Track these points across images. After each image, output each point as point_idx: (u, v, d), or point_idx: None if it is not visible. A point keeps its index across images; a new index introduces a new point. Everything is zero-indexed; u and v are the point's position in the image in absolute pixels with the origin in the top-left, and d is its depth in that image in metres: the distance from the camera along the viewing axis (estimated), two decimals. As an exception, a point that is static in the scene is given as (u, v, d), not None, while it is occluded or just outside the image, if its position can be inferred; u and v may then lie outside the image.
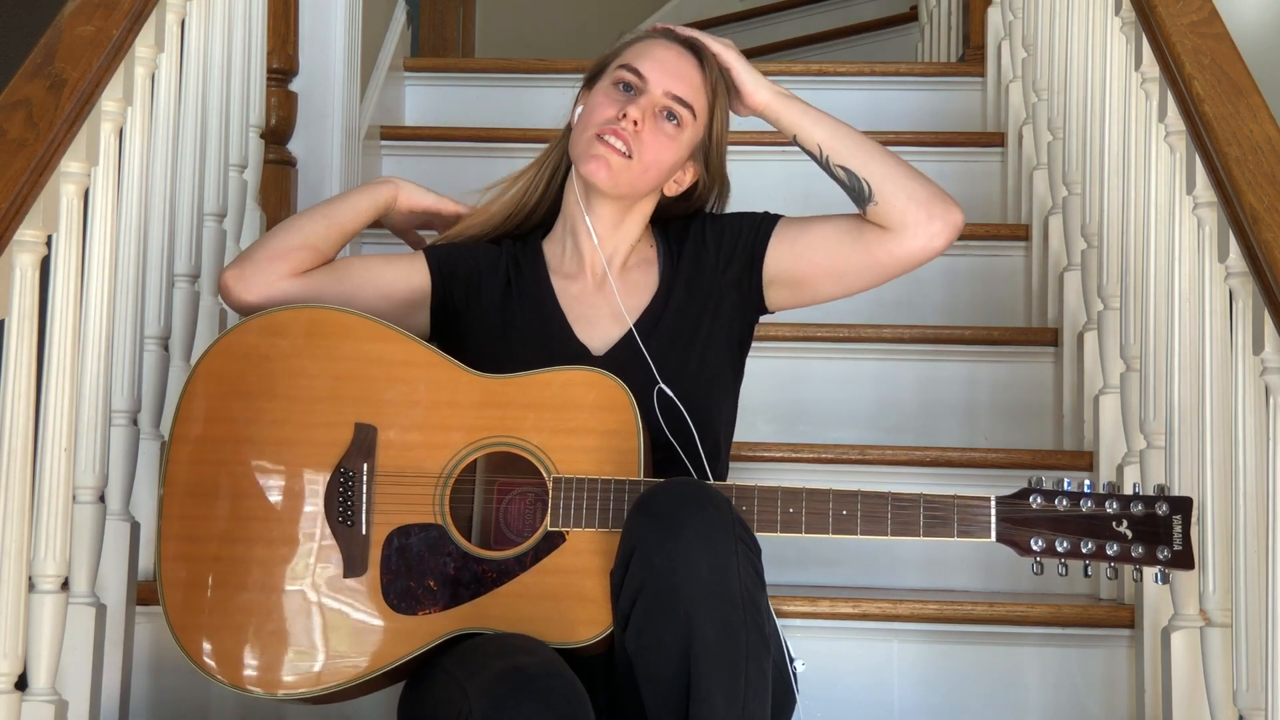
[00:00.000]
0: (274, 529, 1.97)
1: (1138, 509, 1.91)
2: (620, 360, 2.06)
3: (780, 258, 2.13)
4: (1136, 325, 2.50)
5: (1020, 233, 3.30)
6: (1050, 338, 3.03)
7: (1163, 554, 1.90)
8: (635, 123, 2.06)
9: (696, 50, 2.13)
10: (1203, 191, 2.15)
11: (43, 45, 2.04)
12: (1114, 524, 1.91)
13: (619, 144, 2.06)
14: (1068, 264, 2.96)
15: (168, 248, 2.41)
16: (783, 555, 2.66)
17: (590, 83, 2.17)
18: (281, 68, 3.07)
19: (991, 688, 2.44)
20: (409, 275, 2.14)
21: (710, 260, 2.15)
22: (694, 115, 2.11)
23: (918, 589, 2.68)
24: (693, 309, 2.13)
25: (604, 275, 2.14)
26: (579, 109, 2.14)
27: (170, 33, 2.40)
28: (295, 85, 3.15)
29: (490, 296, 2.13)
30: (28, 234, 1.93)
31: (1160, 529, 1.91)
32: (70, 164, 2.02)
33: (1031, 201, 3.26)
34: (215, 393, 2.01)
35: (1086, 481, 1.94)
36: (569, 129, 2.16)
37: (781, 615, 2.37)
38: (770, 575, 2.59)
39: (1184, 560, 1.91)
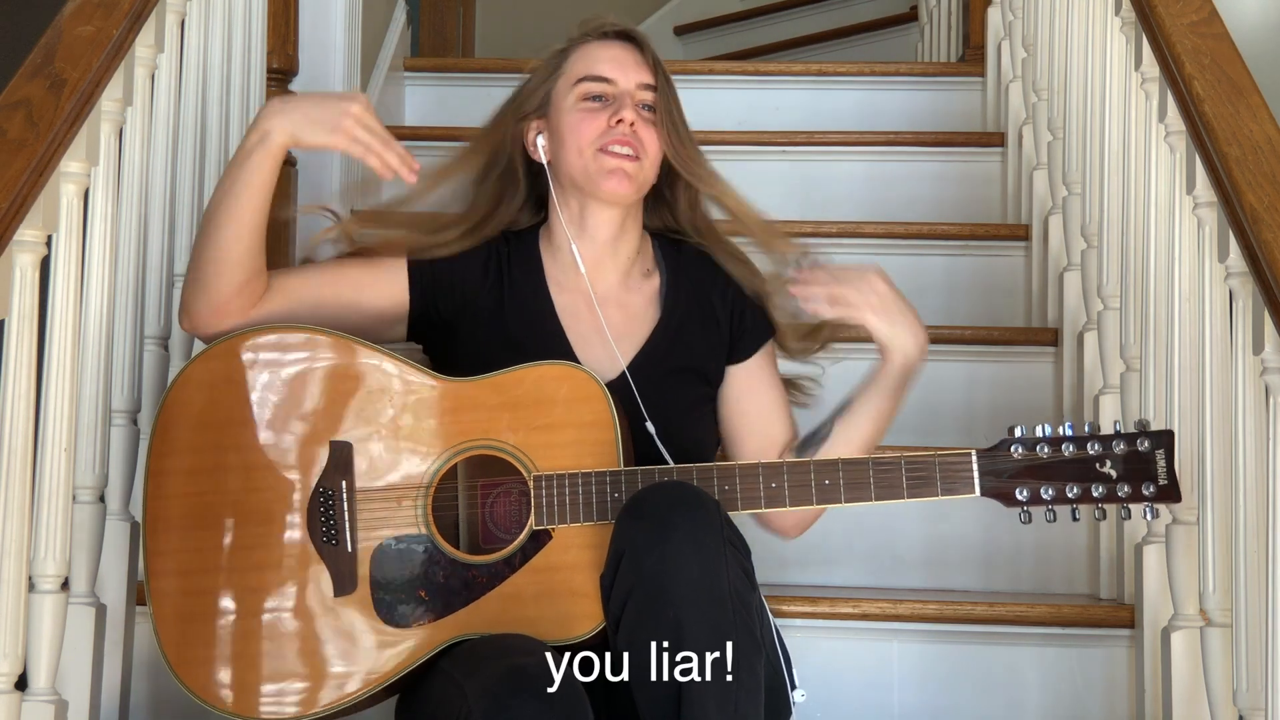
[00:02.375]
0: (260, 555, 1.96)
1: (1120, 447, 1.91)
2: (621, 390, 2.05)
3: (727, 385, 2.14)
4: (1136, 325, 2.50)
5: (1020, 233, 3.30)
6: (1050, 338, 3.03)
7: (1148, 490, 1.91)
8: (631, 124, 2.06)
9: (628, 36, 2.13)
10: (1203, 191, 2.15)
11: (43, 45, 2.04)
12: (1097, 465, 1.91)
13: (627, 150, 2.06)
14: (1068, 264, 2.96)
15: (168, 248, 2.41)
16: (783, 555, 2.66)
17: (533, 113, 2.13)
18: (281, 68, 3.07)
19: (991, 688, 2.44)
20: (385, 285, 2.10)
21: (717, 317, 2.14)
22: (660, 96, 2.10)
23: (918, 589, 2.68)
24: (692, 345, 2.12)
25: (604, 293, 2.12)
26: (538, 139, 2.11)
27: (170, 33, 2.40)
28: (295, 85, 3.14)
29: (483, 303, 2.11)
30: (28, 234, 1.93)
31: (1144, 465, 1.91)
32: (70, 164, 2.02)
33: (1031, 201, 3.26)
34: (186, 423, 2.00)
35: (1067, 425, 1.93)
36: (512, 161, 2.14)
37: (781, 615, 2.37)
38: (770, 575, 2.59)
39: (1170, 494, 1.91)
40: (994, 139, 3.60)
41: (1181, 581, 2.23)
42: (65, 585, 2.04)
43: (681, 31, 6.11)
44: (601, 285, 2.13)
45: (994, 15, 3.78)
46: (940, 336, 3.06)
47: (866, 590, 2.62)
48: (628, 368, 2.08)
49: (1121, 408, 2.57)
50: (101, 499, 2.17)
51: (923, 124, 3.76)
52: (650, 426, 2.02)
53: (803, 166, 3.61)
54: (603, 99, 2.09)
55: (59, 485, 2.01)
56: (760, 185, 3.43)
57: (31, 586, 1.98)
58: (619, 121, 2.06)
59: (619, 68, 2.10)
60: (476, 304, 2.11)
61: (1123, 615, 2.43)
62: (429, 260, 2.12)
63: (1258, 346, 1.96)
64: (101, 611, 2.16)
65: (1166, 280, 2.31)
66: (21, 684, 1.95)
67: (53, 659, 2.00)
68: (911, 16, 5.22)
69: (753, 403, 2.14)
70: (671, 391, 2.08)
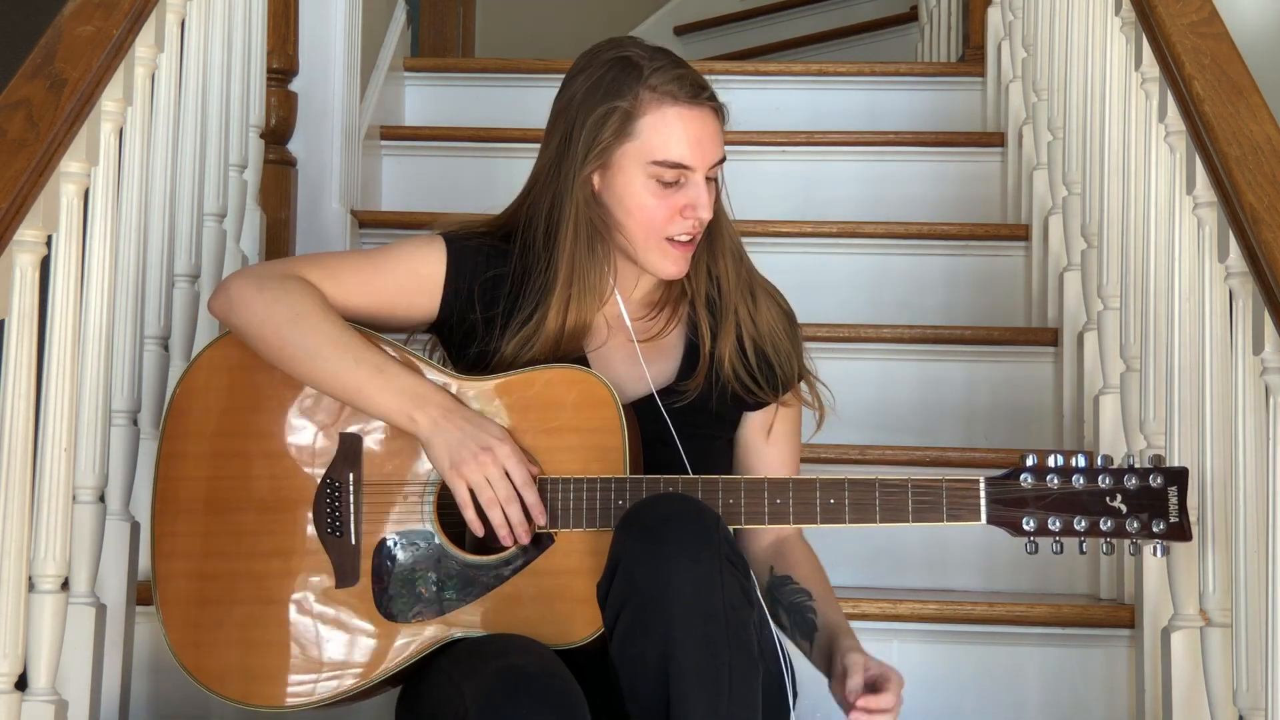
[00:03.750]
0: (265, 543, 1.97)
1: (1131, 482, 1.88)
2: (649, 412, 2.00)
3: (742, 428, 2.10)
4: (1136, 325, 2.50)
5: (1020, 233, 3.30)
6: (1050, 338, 3.03)
7: (1158, 527, 1.87)
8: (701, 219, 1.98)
9: (713, 102, 2.05)
10: (1203, 191, 2.15)
11: (43, 45, 2.04)
12: (1107, 499, 1.88)
13: (690, 238, 1.99)
14: (1068, 264, 2.96)
15: (168, 248, 2.41)
16: (783, 555, 2.66)
17: (597, 165, 1.98)
18: (281, 68, 3.07)
19: (991, 688, 2.44)
20: (417, 313, 2.05)
21: (741, 361, 2.05)
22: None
23: (918, 589, 2.68)
24: (713, 385, 2.04)
25: (628, 327, 2.06)
26: (592, 175, 1.98)
27: (170, 33, 2.40)
28: (295, 85, 3.15)
29: (506, 318, 2.05)
30: (28, 234, 1.93)
31: (1155, 501, 1.87)
32: (70, 164, 2.02)
33: (1031, 201, 3.26)
34: (200, 408, 2.01)
35: (1080, 456, 1.90)
36: (549, 179, 2.01)
37: (781, 615, 2.37)
38: (770, 575, 2.57)
39: (1180, 532, 1.88)
40: (994, 139, 3.60)
41: (1181, 581, 2.22)
42: (65, 585, 2.04)
43: (681, 31, 6.11)
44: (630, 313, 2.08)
45: (994, 15, 3.78)
46: (940, 336, 3.07)
47: (866, 590, 2.62)
48: (654, 394, 2.02)
49: (1122, 408, 2.57)
50: (101, 499, 2.17)
51: (923, 124, 3.76)
52: (679, 445, 1.99)
53: (803, 166, 3.61)
54: (677, 183, 1.98)
55: (59, 485, 2.01)
56: (760, 185, 3.46)
57: (31, 586, 1.98)
58: (695, 220, 1.98)
59: (699, 151, 1.98)
60: (501, 318, 2.03)
61: (1123, 615, 2.43)
62: (464, 266, 2.04)
63: (1258, 346, 1.96)
64: (101, 611, 2.16)
65: (1166, 280, 2.31)
66: (22, 684, 1.95)
67: (53, 659, 2.00)
68: (911, 16, 5.22)
69: (758, 456, 2.10)
70: (690, 426, 2.03)
